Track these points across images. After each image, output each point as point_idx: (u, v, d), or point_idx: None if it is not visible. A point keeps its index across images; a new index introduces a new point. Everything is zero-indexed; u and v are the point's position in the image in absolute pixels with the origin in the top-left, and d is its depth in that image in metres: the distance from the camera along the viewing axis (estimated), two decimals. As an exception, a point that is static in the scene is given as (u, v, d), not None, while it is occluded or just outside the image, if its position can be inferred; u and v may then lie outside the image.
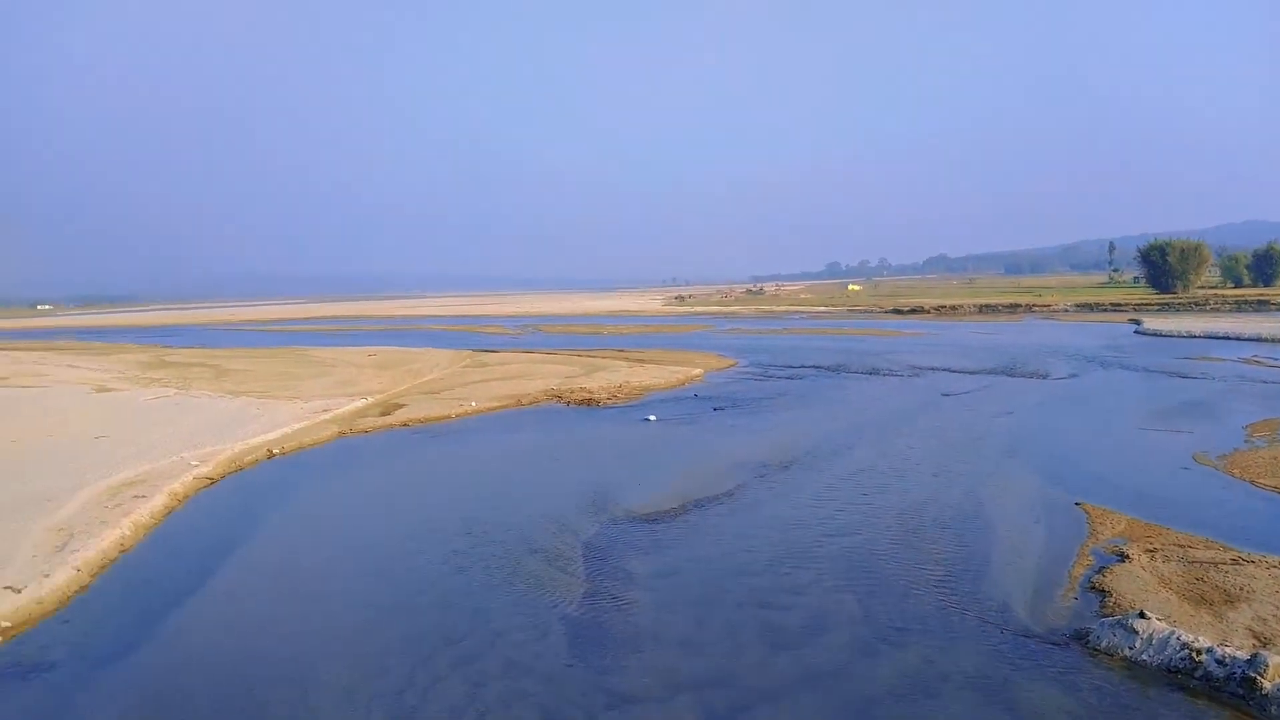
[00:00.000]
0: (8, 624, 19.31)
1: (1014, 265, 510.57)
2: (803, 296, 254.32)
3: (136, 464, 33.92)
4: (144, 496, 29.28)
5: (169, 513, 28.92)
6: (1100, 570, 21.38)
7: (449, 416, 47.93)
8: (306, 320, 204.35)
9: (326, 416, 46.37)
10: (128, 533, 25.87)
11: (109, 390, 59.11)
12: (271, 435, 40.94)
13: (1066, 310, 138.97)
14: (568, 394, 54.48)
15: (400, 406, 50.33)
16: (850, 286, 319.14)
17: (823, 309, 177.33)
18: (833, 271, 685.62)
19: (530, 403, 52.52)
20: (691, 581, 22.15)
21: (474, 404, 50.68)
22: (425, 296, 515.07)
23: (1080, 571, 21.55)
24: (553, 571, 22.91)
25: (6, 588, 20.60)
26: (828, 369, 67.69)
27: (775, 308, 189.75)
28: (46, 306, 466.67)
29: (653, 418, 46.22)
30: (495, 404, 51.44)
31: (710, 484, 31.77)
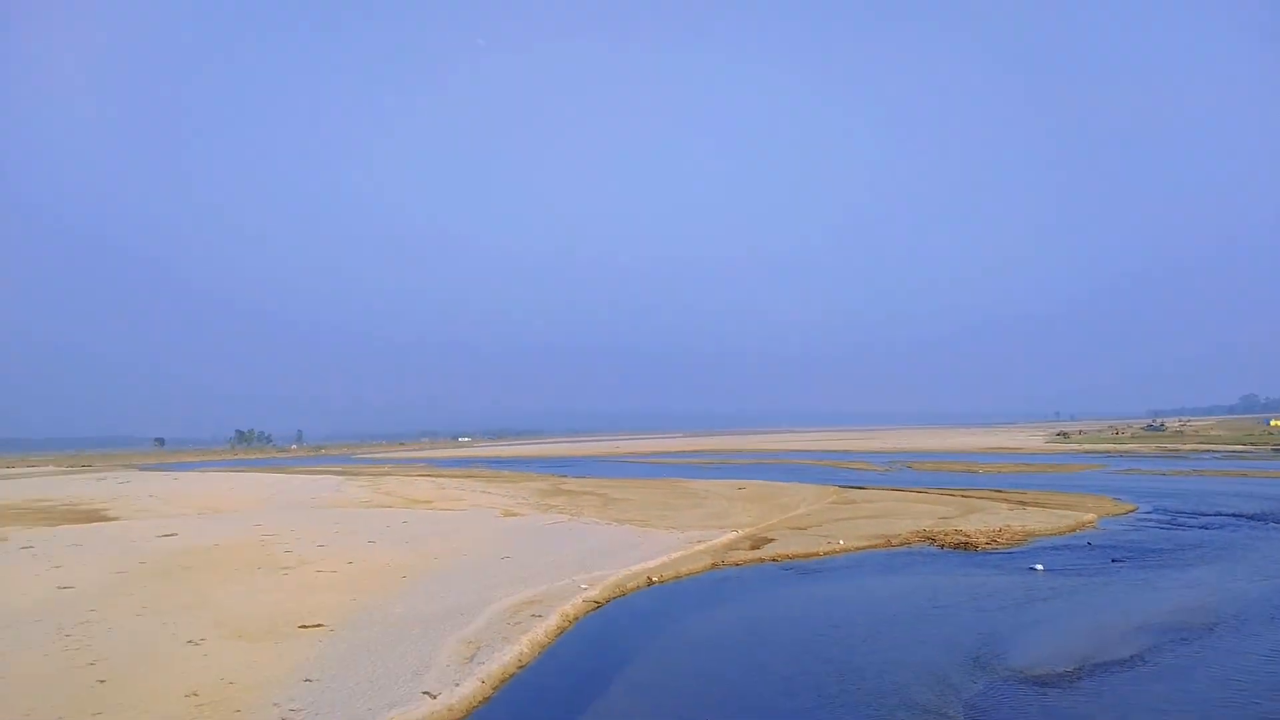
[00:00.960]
0: (425, 727, 21.48)
1: None
2: (1214, 433, 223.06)
3: (534, 585, 36.98)
4: (540, 616, 31.71)
5: (561, 633, 30.98)
6: None
7: (817, 554, 47.25)
8: (681, 453, 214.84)
9: (700, 547, 47.71)
10: (525, 650, 28.01)
11: (513, 515, 65.67)
12: (651, 563, 42.82)
13: None
14: (941, 536, 51.58)
15: (769, 541, 50.53)
16: (1273, 422, 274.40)
17: (1240, 448, 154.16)
18: (1249, 405, 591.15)
19: (900, 543, 50.36)
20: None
21: (842, 542, 49.61)
22: (792, 431, 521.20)
23: None
24: (933, 730, 21.28)
25: (425, 693, 23.01)
26: (1251, 518, 58.15)
27: (1180, 446, 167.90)
28: (466, 438, 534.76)
29: (1039, 567, 42.22)
30: (864, 543, 49.97)
31: (1111, 645, 28.06)
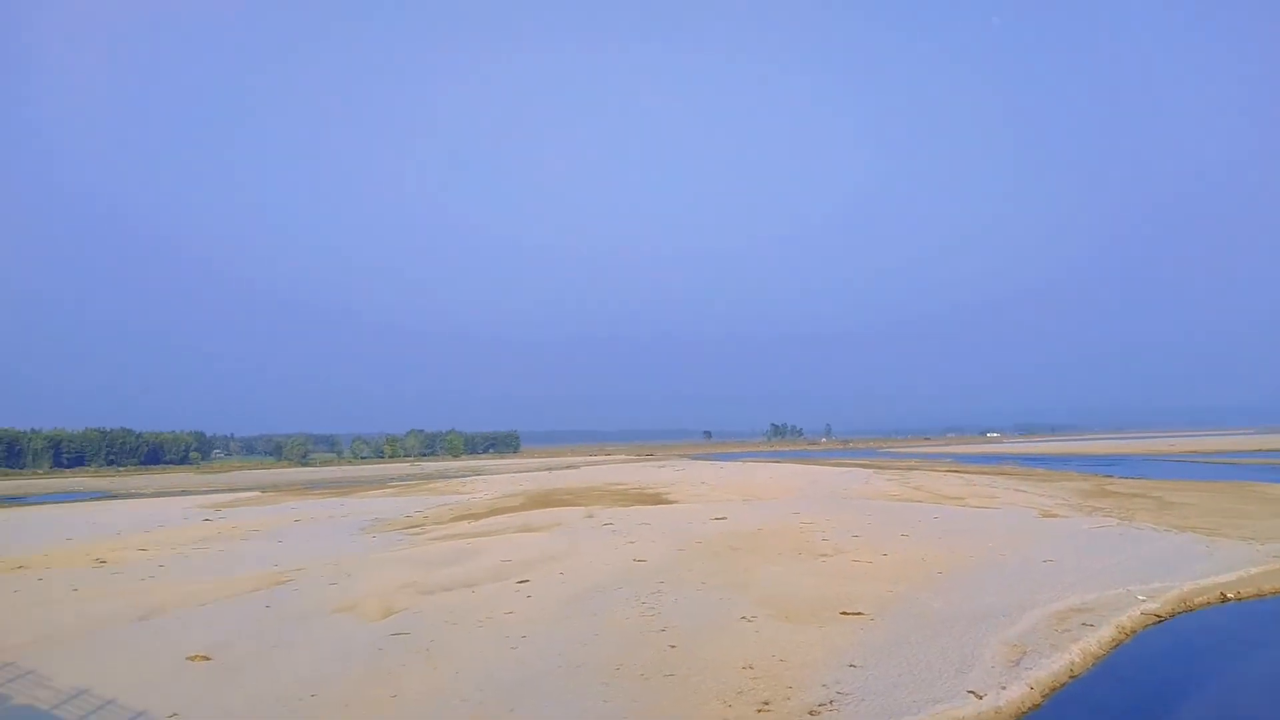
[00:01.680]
0: (970, 726, 21.18)
1: None
2: None
3: (1081, 592, 34.38)
4: (1091, 625, 29.42)
5: (1116, 645, 28.44)
6: None
7: None
8: (1254, 453, 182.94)
9: (1291, 562, 40.55)
10: (1076, 659, 26.22)
11: (1052, 516, 61.56)
12: (1224, 577, 37.36)
13: None
14: None
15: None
16: None
17: None
18: None
19: None
20: None
21: None
22: None
23: None
24: None
25: (970, 692, 22.66)
26: None
27: None
28: (994, 434, 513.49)
29: None
30: None
31: None
